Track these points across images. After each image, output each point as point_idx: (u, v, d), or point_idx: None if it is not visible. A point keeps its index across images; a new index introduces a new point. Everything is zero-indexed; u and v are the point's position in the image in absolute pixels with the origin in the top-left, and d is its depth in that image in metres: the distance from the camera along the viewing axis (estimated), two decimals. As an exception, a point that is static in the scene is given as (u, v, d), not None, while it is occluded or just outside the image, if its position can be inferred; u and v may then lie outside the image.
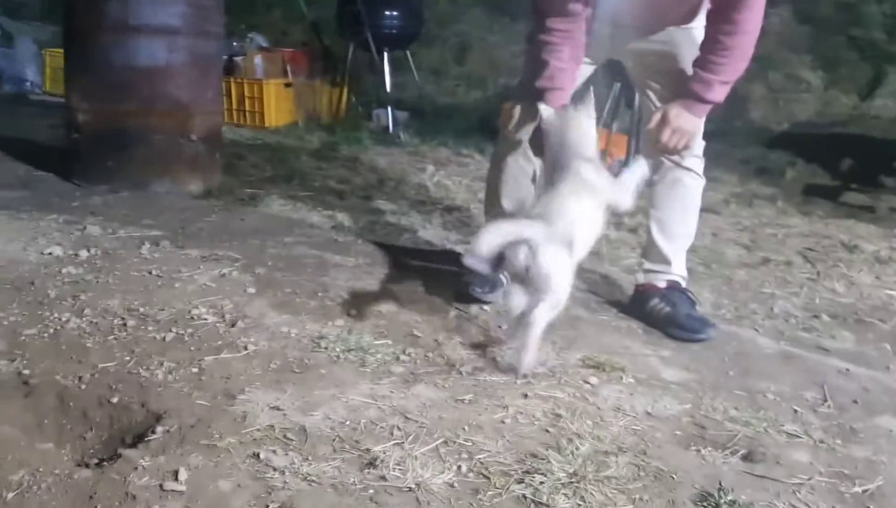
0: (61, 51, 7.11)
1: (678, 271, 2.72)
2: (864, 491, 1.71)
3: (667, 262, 2.71)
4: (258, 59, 6.20)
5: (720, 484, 1.70)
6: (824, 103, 6.26)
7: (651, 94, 2.64)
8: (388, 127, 6.12)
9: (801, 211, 4.46)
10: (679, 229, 2.71)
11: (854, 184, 5.04)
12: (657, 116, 2.49)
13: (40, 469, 1.50)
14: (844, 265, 3.45)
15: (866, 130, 5.92)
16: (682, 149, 2.54)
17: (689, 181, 2.67)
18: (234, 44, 6.45)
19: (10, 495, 1.42)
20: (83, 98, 3.87)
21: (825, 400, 2.15)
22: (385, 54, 6.29)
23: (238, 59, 6.23)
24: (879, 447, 1.91)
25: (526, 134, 2.60)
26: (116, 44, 3.77)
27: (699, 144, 2.64)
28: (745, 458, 1.83)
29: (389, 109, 6.13)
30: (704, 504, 1.63)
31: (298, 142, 5.49)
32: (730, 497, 1.64)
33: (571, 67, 2.46)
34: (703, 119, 2.52)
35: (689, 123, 2.47)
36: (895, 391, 2.24)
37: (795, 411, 2.08)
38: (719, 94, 2.41)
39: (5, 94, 7.05)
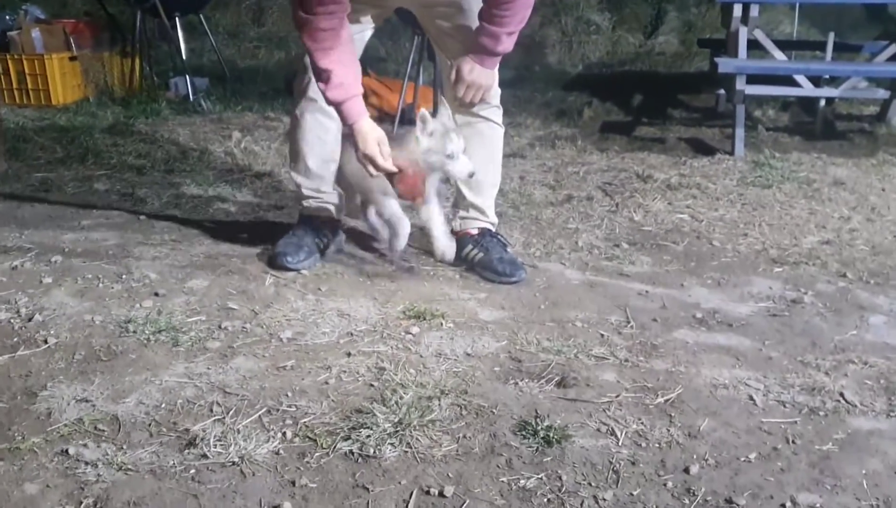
0: None
1: (489, 217, 2.81)
2: (667, 401, 1.87)
3: (478, 209, 2.79)
4: (35, 33, 5.67)
5: (536, 412, 1.79)
6: (613, 43, 6.62)
7: (444, 45, 2.68)
8: (187, 96, 5.82)
9: (599, 148, 4.71)
10: (486, 179, 2.78)
11: (645, 118, 5.39)
12: (452, 74, 2.54)
13: None
14: (640, 195, 3.69)
15: (652, 66, 6.34)
16: (480, 101, 2.61)
17: (490, 132, 2.74)
18: (7, 17, 5.87)
19: None
20: None
21: (628, 322, 2.31)
22: (177, 20, 5.96)
23: (13, 33, 5.68)
24: (678, 358, 2.09)
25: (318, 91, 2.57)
26: None
27: (495, 95, 2.71)
28: (559, 384, 1.94)
29: (187, 77, 5.83)
30: (523, 432, 1.72)
31: (90, 119, 5.11)
32: (546, 423, 1.73)
33: (354, 67, 2.39)
34: (496, 70, 2.59)
35: (483, 77, 2.53)
36: (690, 305, 2.45)
37: (602, 335, 2.22)
38: (507, 44, 2.48)
39: None
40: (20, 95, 5.61)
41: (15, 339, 1.98)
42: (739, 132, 4.50)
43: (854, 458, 1.64)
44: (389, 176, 2.44)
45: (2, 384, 1.76)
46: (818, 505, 1.48)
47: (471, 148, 2.74)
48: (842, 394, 1.89)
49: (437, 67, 4.76)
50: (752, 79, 4.55)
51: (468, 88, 2.53)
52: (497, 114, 2.74)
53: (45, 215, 3.14)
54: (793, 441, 1.70)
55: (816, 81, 4.95)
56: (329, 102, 2.38)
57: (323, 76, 2.32)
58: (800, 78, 4.79)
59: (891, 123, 5.15)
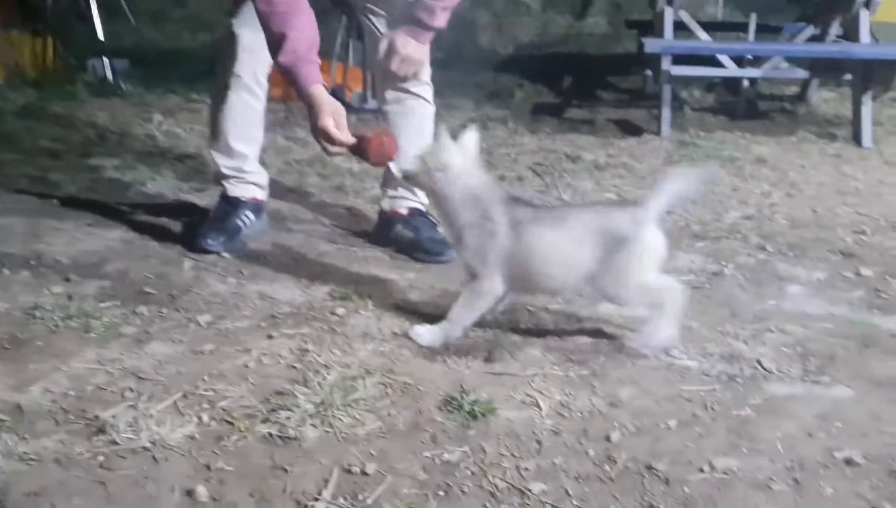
0: None
1: (419, 196, 2.77)
2: (590, 372, 1.88)
3: (407, 189, 2.75)
4: (-63, 13, 5.39)
5: (462, 388, 1.78)
6: (543, 25, 6.63)
7: (375, 21, 2.63)
8: (105, 78, 5.62)
9: (530, 129, 4.73)
10: (415, 157, 2.75)
11: (575, 100, 5.43)
12: (384, 46, 2.49)
13: None
14: (569, 175, 3.71)
15: (582, 48, 6.38)
16: (412, 77, 2.57)
17: (421, 109, 2.71)
18: None
19: None
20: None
21: (553, 297, 2.31)
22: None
23: (-87, 12, 5.39)
24: (601, 331, 2.10)
25: (244, 68, 2.50)
26: None
27: (427, 71, 2.68)
28: (486, 360, 1.93)
29: (105, 58, 5.62)
30: (449, 407, 1.70)
31: (0, 101, 4.89)
32: (471, 398, 1.72)
33: (310, 33, 2.25)
34: (429, 46, 2.56)
35: (417, 51, 2.49)
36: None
37: (529, 310, 2.22)
38: (442, 19, 2.45)
39: None
40: (-75, 78, 5.34)
41: (-88, 328, 1.88)
42: (666, 112, 4.57)
43: (770, 422, 1.67)
44: (356, 148, 2.20)
45: None
46: (735, 468, 1.50)
47: (401, 125, 2.71)
48: (759, 361, 1.93)
49: (366, 47, 4.72)
50: (678, 60, 4.62)
51: (401, 62, 2.49)
52: (428, 91, 2.71)
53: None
54: (711, 408, 1.72)
55: (740, 61, 5.06)
56: (281, 70, 2.23)
57: (276, 42, 2.18)
58: (724, 59, 4.89)
59: (810, 102, 5.31)
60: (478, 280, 2.00)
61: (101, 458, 1.44)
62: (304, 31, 2.21)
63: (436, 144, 2.06)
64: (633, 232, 1.91)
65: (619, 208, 2.04)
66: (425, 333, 2.02)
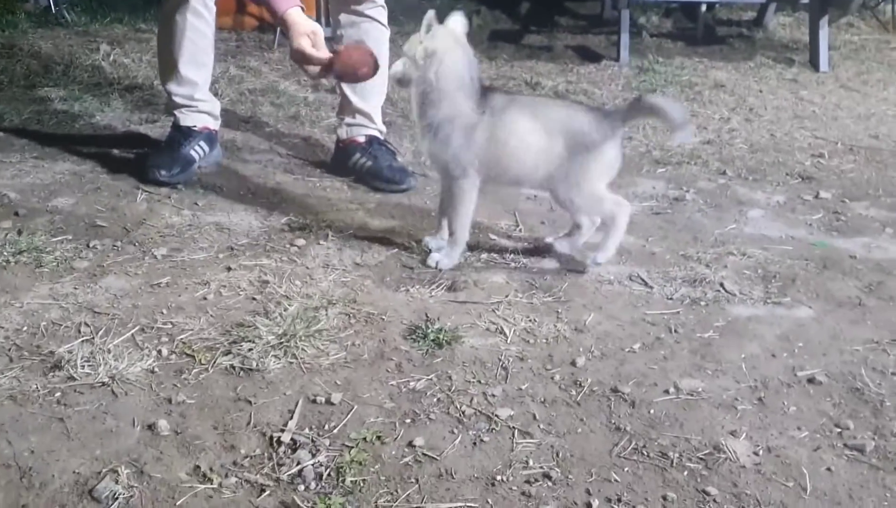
0: None
1: (377, 124, 2.71)
2: (554, 298, 1.87)
3: (365, 115, 2.69)
4: None
5: (427, 317, 1.77)
6: (501, -50, 6.46)
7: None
8: (49, 7, 5.35)
9: (488, 56, 4.63)
10: (372, 85, 2.66)
11: (532, 26, 5.33)
12: None
13: None
14: (529, 102, 3.66)
15: (540, -27, 6.24)
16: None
17: (377, 33, 2.62)
18: None
19: None
20: None
21: (517, 225, 2.30)
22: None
23: None
24: (564, 258, 2.09)
25: None
26: None
27: (380, -8, 2.60)
28: (450, 289, 1.91)
29: (48, -14, 5.35)
30: (413, 336, 1.69)
31: (-66, 32, 4.64)
32: (436, 326, 1.71)
33: None
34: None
35: None
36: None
37: (492, 239, 2.20)
38: None
39: None
40: None
41: None
42: (624, 38, 4.51)
43: (733, 343, 1.69)
44: (330, 66, 2.13)
45: None
46: (700, 389, 1.52)
47: None
48: (722, 284, 1.95)
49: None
50: (637, -16, 4.54)
51: None
52: (382, 14, 2.63)
53: None
54: (675, 331, 1.73)
55: (698, -15, 5.00)
56: None
57: None
58: (683, -17, 4.82)
59: (767, 27, 5.28)
60: (456, 180, 2.01)
61: (57, 394, 1.40)
62: None
63: (422, 33, 1.98)
64: (599, 140, 1.94)
65: (592, 114, 2.03)
66: (442, 258, 2.03)
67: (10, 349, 1.53)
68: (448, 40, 1.98)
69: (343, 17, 2.62)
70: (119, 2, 5.51)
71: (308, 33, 2.12)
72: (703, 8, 5.11)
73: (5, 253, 1.93)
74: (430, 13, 1.96)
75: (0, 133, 2.90)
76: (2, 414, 1.33)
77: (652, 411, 1.45)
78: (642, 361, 1.61)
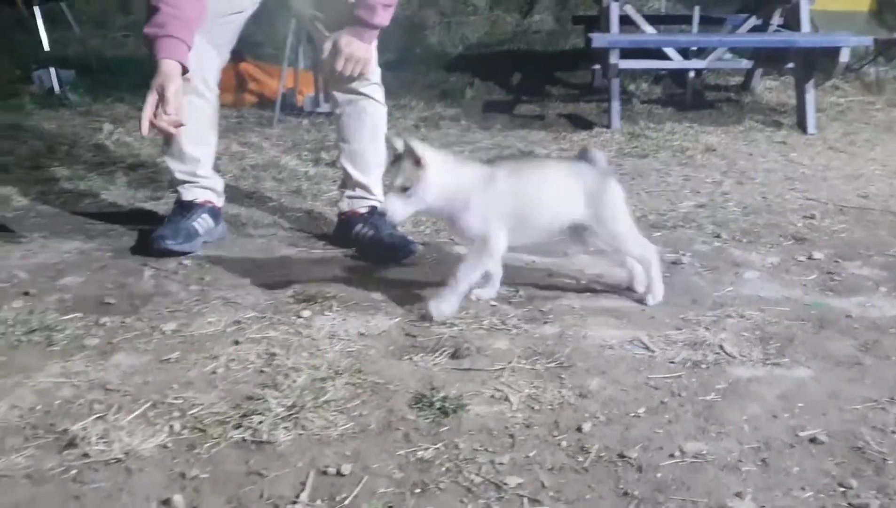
0: None
1: (376, 195, 2.78)
2: (557, 364, 1.90)
3: (364, 188, 2.75)
4: None
5: (432, 385, 1.79)
6: (491, 24, 6.67)
7: (318, 25, 2.63)
8: (52, 89, 5.50)
9: (482, 127, 4.76)
10: (371, 158, 2.75)
11: (525, 96, 5.48)
12: (328, 46, 2.49)
13: None
14: (524, 170, 3.74)
15: (530, 45, 6.44)
16: (358, 76, 2.57)
17: (373, 109, 2.71)
18: None
19: None
20: None
21: (517, 291, 2.34)
22: (36, 8, 5.60)
23: None
24: (566, 323, 2.13)
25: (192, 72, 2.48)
26: None
27: (375, 72, 2.68)
28: (453, 356, 1.94)
29: (51, 69, 5.50)
30: (419, 405, 1.71)
31: (-57, 116, 4.76)
32: (441, 395, 1.73)
33: (188, 13, 2.31)
34: (374, 44, 2.56)
35: (361, 50, 2.49)
36: (574, 272, 2.50)
37: (493, 305, 2.24)
38: (383, 17, 2.45)
39: None
40: None
41: None
42: (615, 106, 4.64)
43: (735, 405, 1.72)
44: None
45: None
46: (705, 451, 1.54)
47: (353, 126, 2.71)
48: (722, 346, 1.98)
49: (315, 51, 4.71)
50: (626, 54, 4.69)
51: (346, 61, 2.48)
52: (378, 92, 2.72)
53: None
54: (679, 394, 1.76)
55: (685, 53, 5.16)
56: (144, 40, 2.28)
57: (150, 12, 2.24)
58: (669, 51, 4.98)
59: (755, 91, 5.44)
60: (483, 241, 2.12)
61: (73, 472, 1.42)
62: (181, 8, 2.26)
63: (399, 164, 2.06)
64: (607, 177, 2.20)
65: (581, 160, 2.25)
66: (443, 305, 2.12)
67: (24, 429, 1.55)
68: (431, 164, 2.05)
69: (341, 96, 2.71)
70: (120, 81, 5.66)
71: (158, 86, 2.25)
72: (692, 74, 5.28)
73: (17, 333, 1.96)
74: (398, 143, 2.07)
75: (8, 214, 2.97)
76: (19, 494, 1.34)
77: (659, 475, 1.47)
78: (647, 425, 1.64)
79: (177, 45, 2.23)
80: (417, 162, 2.03)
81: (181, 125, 2.31)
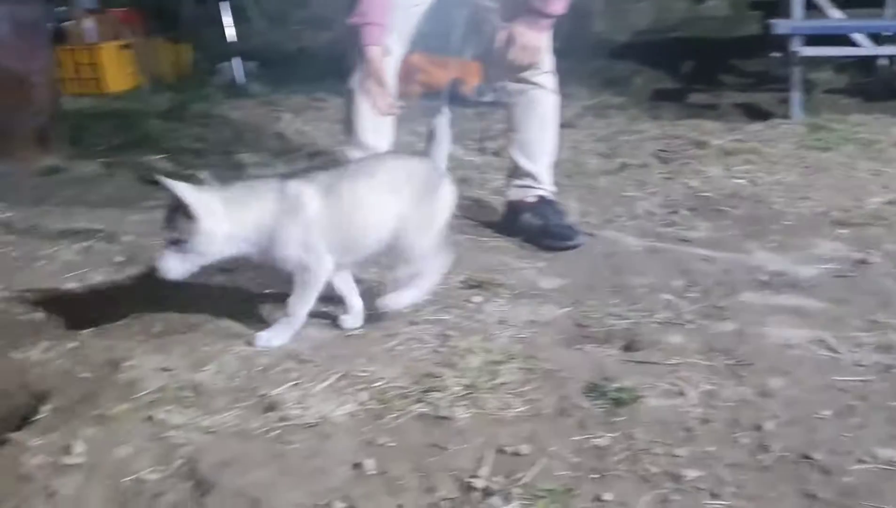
0: None
1: (545, 184, 2.80)
2: (736, 361, 1.86)
3: (532, 177, 2.79)
4: (89, 23, 5.81)
5: (604, 375, 1.80)
6: (660, 10, 6.49)
7: (491, 15, 2.67)
8: (236, 80, 5.92)
9: (651, 116, 4.66)
10: (541, 147, 2.78)
11: (697, 85, 5.31)
12: (502, 36, 2.53)
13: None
14: (696, 161, 3.65)
15: (702, 32, 6.22)
16: (530, 66, 2.60)
17: (544, 98, 2.73)
18: (60, 9, 6.01)
19: None
20: None
21: (692, 286, 2.30)
22: (223, 4, 6.04)
23: (67, 24, 5.82)
24: (744, 320, 2.07)
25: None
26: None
27: (548, 60, 2.70)
28: (626, 348, 1.95)
29: (237, 60, 5.91)
30: (592, 394, 1.72)
31: (145, 105, 5.23)
32: (616, 385, 1.74)
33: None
34: (549, 34, 2.58)
35: (535, 39, 2.52)
36: (753, 268, 2.42)
37: (666, 299, 2.22)
38: (558, 6, 2.47)
39: None
40: (77, 85, 5.76)
41: (95, 314, 2.06)
42: (796, 95, 4.42)
43: (933, 414, 1.62)
44: None
45: (87, 356, 1.83)
46: (898, 459, 1.47)
47: (523, 115, 2.74)
48: (918, 352, 1.86)
49: (484, 40, 4.78)
50: (809, 40, 4.45)
51: (520, 51, 2.52)
52: (550, 80, 2.73)
53: (110, 197, 3.23)
54: (868, 398, 1.68)
55: (876, 39, 4.82)
56: (350, 29, 2.40)
57: (352, 3, 2.36)
58: (859, 37, 4.67)
59: (954, 80, 5.00)
60: (306, 269, 1.91)
61: (274, 433, 1.55)
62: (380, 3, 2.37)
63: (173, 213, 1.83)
64: (439, 181, 2.03)
65: (420, 159, 2.08)
66: (269, 335, 1.93)
67: (230, 391, 1.70)
68: (209, 214, 1.83)
69: (512, 86, 2.74)
70: (296, 74, 5.99)
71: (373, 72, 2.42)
72: (884, 61, 4.91)
73: (220, 304, 2.15)
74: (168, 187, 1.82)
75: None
76: (230, 449, 1.48)
77: (847, 479, 1.42)
78: (834, 428, 1.57)
79: (379, 30, 2.37)
80: (187, 212, 1.78)
81: (399, 108, 2.49)
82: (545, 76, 2.71)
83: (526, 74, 2.67)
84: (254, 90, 5.64)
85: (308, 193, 1.90)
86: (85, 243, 2.59)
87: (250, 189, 1.93)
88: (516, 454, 1.52)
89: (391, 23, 2.48)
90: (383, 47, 2.41)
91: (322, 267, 1.93)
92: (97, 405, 1.61)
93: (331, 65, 5.96)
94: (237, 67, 5.90)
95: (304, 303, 1.94)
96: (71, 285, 2.24)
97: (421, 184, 2.00)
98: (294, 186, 1.91)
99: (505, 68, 2.68)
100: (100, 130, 4.50)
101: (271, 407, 1.63)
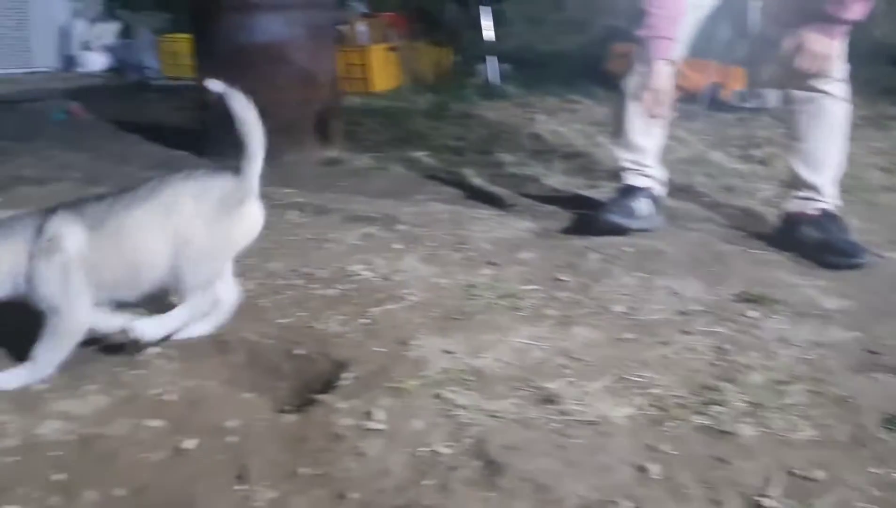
0: (177, 36, 7.47)
1: (828, 197, 2.63)
2: None
3: (813, 189, 2.63)
4: (362, 27, 6.27)
5: (904, 407, 1.66)
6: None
7: (768, 16, 2.56)
8: (490, 81, 6.11)
9: (877, 124, 4.22)
10: (825, 158, 2.61)
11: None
12: (790, 43, 2.41)
13: (249, 416, 1.62)
14: None
15: None
16: (818, 74, 2.45)
17: (835, 108, 2.57)
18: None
19: (232, 439, 1.54)
20: (210, 77, 4.01)
21: None
22: (483, 7, 6.26)
23: (342, 27, 6.32)
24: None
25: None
26: (238, 22, 3.89)
27: (841, 68, 2.54)
28: (927, 381, 1.77)
29: (493, 62, 6.11)
30: (891, 426, 1.59)
31: (408, 104, 5.55)
32: (921, 420, 1.60)
33: (673, 12, 2.41)
34: (843, 41, 2.43)
35: (827, 47, 2.38)
36: None
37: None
38: (857, 11, 2.31)
39: (128, 82, 7.38)
40: (346, 84, 6.21)
41: (381, 295, 2.22)
42: None
43: None
44: None
45: (378, 332, 1.98)
46: None
47: (809, 124, 2.60)
48: None
49: (751, 44, 4.57)
50: None
51: (810, 59, 2.38)
52: (842, 88, 2.56)
53: (383, 189, 3.46)
54: None
55: None
56: (637, 40, 2.49)
57: (639, 15, 2.42)
58: None
59: None
60: (60, 315, 1.72)
61: (554, 425, 1.58)
62: (667, 8, 2.41)
63: None
64: (239, 201, 1.82)
65: (221, 175, 1.85)
66: (7, 376, 1.73)
67: (507, 380, 1.76)
68: None
69: (798, 94, 2.60)
70: (549, 76, 6.08)
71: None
72: None
73: (489, 296, 2.23)
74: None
75: (468, 192, 3.38)
76: (514, 435, 1.54)
77: None
78: None
79: (667, 44, 2.40)
80: None
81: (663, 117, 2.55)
82: (836, 84, 2.55)
83: (814, 82, 2.52)
84: (509, 92, 5.79)
85: (71, 231, 1.74)
86: (365, 230, 2.80)
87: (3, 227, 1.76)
88: (809, 478, 1.44)
89: (679, 35, 2.46)
90: (670, 60, 2.40)
91: (76, 317, 1.74)
92: (391, 378, 1.74)
93: (584, 67, 6.04)
94: (493, 68, 6.09)
95: (52, 352, 1.73)
96: (357, 267, 2.43)
97: (212, 206, 1.82)
98: (54, 223, 1.74)
99: (790, 76, 2.55)
100: (370, 126, 4.84)
101: (549, 400, 1.67)
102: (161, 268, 1.80)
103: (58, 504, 1.36)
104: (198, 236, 1.78)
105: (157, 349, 1.88)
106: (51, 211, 1.75)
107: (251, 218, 1.87)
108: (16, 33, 8.27)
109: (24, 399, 1.68)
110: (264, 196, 1.94)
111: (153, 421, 1.59)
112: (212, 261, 1.84)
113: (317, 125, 4.07)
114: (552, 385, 1.73)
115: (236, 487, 1.40)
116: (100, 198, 1.82)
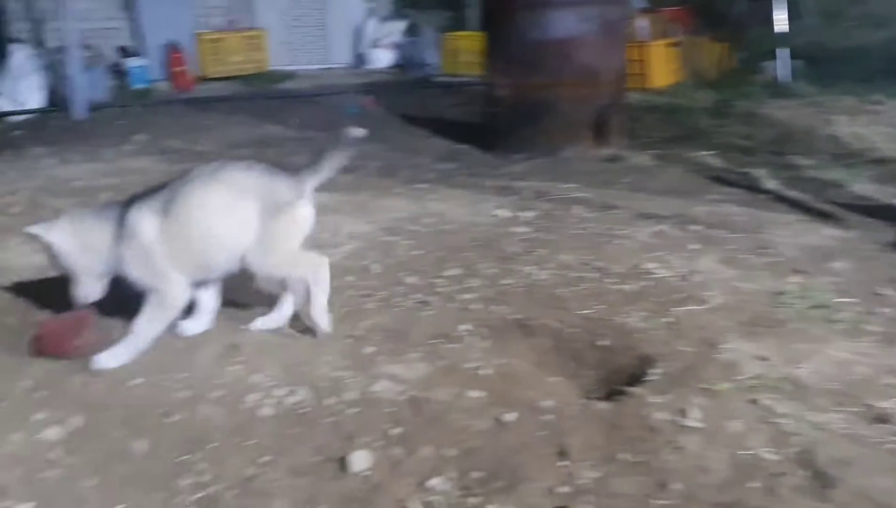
0: (459, 34, 7.85)
1: None
2: None
3: None
4: (642, 22, 6.18)
5: None
6: None
7: None
8: (779, 77, 5.75)
9: None
10: None
11: None
12: None
13: (561, 399, 1.67)
14: None
15: None
16: None
17: None
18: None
19: (548, 417, 1.60)
20: (501, 75, 4.18)
21: None
22: (773, 2, 5.90)
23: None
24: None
25: None
26: (531, 20, 4.00)
27: None
28: None
29: (784, 57, 5.74)
30: None
31: (688, 101, 5.38)
32: None
33: None
34: None
35: None
36: None
37: None
38: None
39: (411, 78, 7.87)
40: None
41: (680, 295, 2.18)
42: None
43: None
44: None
45: (682, 331, 1.96)
46: None
47: None
48: None
49: None
50: None
51: None
52: None
53: (668, 187, 3.40)
54: None
55: None
56: None
57: None
58: None
59: None
60: (156, 293, 1.88)
61: (890, 445, 1.47)
62: None
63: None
64: (291, 202, 1.91)
65: (280, 176, 1.95)
66: (111, 360, 1.87)
67: (828, 394, 1.66)
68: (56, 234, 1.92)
69: None
70: (845, 74, 5.59)
71: None
72: None
73: (799, 305, 2.11)
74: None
75: (763, 194, 3.22)
76: (843, 450, 1.45)
77: None
78: None
79: None
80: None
81: None
82: None
83: None
84: (800, 90, 5.42)
85: (142, 218, 1.89)
86: (656, 228, 2.77)
87: (95, 216, 1.97)
88: None
89: None
90: None
91: (176, 292, 1.91)
92: (701, 379, 1.71)
93: (888, 65, 5.49)
94: (783, 64, 5.73)
95: (151, 327, 1.90)
96: (651, 265, 2.41)
97: (273, 202, 1.91)
98: (132, 213, 1.90)
99: None
100: (649, 123, 4.76)
101: (882, 419, 1.55)
102: (227, 249, 1.92)
103: (399, 454, 1.50)
104: (253, 224, 1.90)
105: (469, 327, 2.01)
106: (132, 200, 1.94)
107: (300, 216, 1.96)
108: (317, 32, 9.12)
109: (356, 359, 1.87)
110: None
111: (473, 392, 1.70)
112: (271, 251, 1.93)
113: (597, 121, 4.07)
114: (884, 405, 1.60)
115: (559, 463, 1.45)
116: (167, 185, 1.96)
